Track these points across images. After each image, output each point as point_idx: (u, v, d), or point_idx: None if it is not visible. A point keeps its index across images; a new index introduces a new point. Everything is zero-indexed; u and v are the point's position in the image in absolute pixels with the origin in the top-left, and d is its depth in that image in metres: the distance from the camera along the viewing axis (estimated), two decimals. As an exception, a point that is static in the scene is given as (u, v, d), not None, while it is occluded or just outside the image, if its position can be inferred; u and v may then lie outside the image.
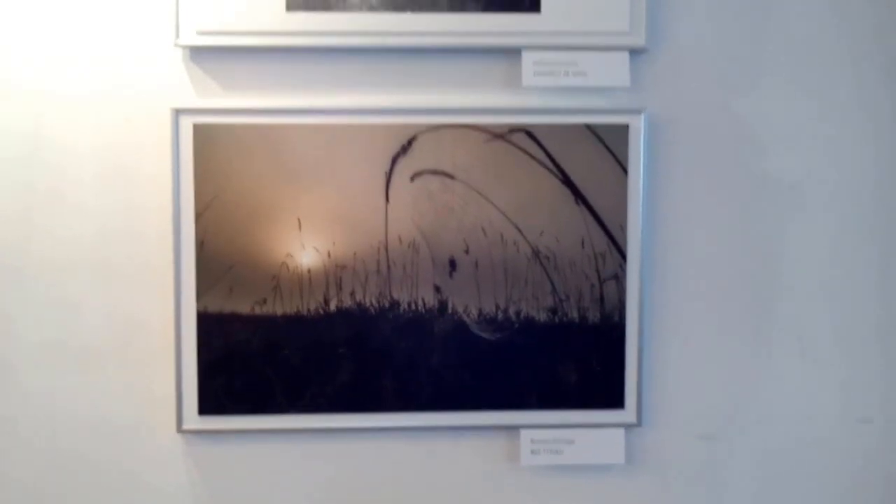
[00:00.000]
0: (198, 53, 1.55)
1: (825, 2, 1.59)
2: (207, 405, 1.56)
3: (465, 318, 1.57)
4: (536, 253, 1.57)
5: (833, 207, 1.62)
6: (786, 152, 1.61)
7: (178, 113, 1.53)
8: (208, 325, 1.55)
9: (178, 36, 1.52)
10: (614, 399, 1.60)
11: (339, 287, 1.56)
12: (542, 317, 1.58)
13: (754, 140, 1.60)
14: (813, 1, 1.59)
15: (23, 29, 1.55)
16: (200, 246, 1.55)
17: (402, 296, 1.57)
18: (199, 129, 1.53)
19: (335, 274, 1.56)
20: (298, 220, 1.55)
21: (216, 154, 1.53)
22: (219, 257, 1.55)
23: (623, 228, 1.57)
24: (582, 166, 1.56)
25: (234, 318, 1.56)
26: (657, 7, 1.57)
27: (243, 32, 1.53)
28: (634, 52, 1.55)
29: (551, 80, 1.54)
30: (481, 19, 1.54)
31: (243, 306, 1.55)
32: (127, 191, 1.56)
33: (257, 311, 1.56)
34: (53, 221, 1.56)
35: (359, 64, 1.56)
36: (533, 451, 1.59)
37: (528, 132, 1.55)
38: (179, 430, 1.57)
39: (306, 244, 1.56)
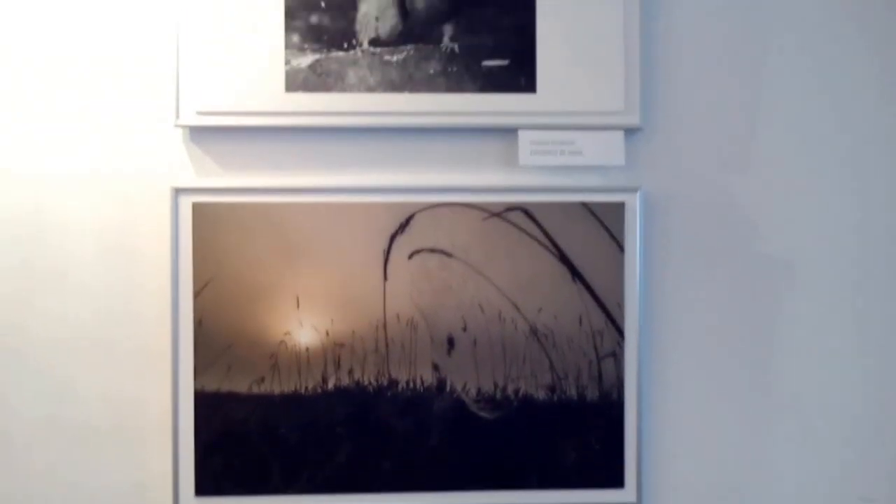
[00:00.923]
0: (198, 133, 1.57)
1: (818, 81, 1.62)
2: (204, 486, 1.56)
3: (463, 396, 1.58)
4: (534, 330, 1.58)
5: (828, 285, 1.63)
6: (780, 230, 1.62)
7: (177, 192, 1.55)
8: (206, 404, 1.56)
9: (178, 116, 1.55)
10: (614, 478, 1.60)
11: (338, 365, 1.57)
12: (541, 395, 1.58)
13: (749, 218, 1.62)
14: (807, 79, 1.62)
15: (23, 108, 1.57)
16: (199, 324, 1.55)
17: (401, 374, 1.58)
18: (198, 208, 1.54)
19: (333, 352, 1.57)
20: (297, 298, 1.57)
21: (215, 233, 1.55)
22: (217, 336, 1.56)
23: (620, 306, 1.58)
24: (579, 244, 1.58)
25: (232, 397, 1.56)
26: (651, 86, 1.59)
27: (243, 113, 1.55)
28: (629, 131, 1.58)
29: (548, 159, 1.57)
30: (478, 99, 1.56)
31: (241, 385, 1.56)
32: (126, 270, 1.57)
33: (255, 390, 1.56)
34: (53, 301, 1.56)
35: (357, 143, 1.59)
36: (532, 531, 1.59)
37: (525, 210, 1.57)
38: (176, 511, 1.56)
39: (305, 322, 1.57)
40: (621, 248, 1.58)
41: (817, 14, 1.62)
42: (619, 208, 1.57)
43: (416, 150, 1.59)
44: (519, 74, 1.57)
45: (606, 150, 1.57)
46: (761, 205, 1.62)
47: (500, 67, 1.57)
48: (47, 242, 1.56)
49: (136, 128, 1.57)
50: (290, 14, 1.56)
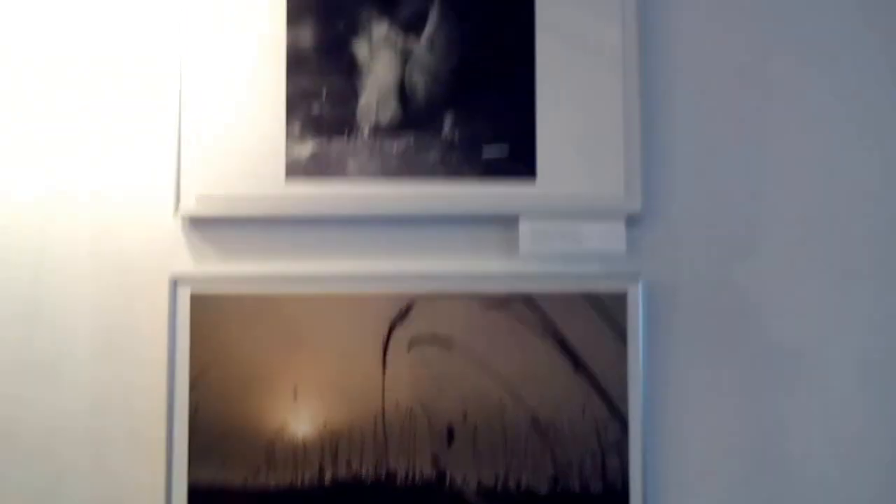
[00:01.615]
0: (197, 221, 1.58)
1: (823, 166, 1.62)
2: (197, 584, 1.53)
3: (464, 489, 1.55)
4: (536, 421, 1.56)
5: (838, 374, 1.61)
6: (787, 319, 1.61)
7: (175, 281, 1.55)
8: (200, 498, 1.53)
9: (178, 204, 1.56)
10: (619, 577, 1.56)
11: (335, 457, 1.55)
12: (543, 488, 1.56)
13: (754, 306, 1.60)
14: (811, 164, 1.62)
15: (21, 198, 1.59)
16: (194, 415, 1.54)
17: (400, 466, 1.56)
18: (196, 297, 1.55)
19: (331, 443, 1.55)
20: (295, 387, 1.56)
21: (213, 321, 1.55)
22: (212, 427, 1.55)
23: (624, 397, 1.57)
24: (580, 334, 1.57)
25: (227, 490, 1.54)
26: (652, 173, 1.60)
27: (243, 201, 1.57)
28: (630, 219, 1.58)
29: (548, 247, 1.57)
30: (478, 187, 1.58)
31: (236, 477, 1.54)
32: (122, 357, 1.57)
33: (250, 482, 1.54)
34: (46, 388, 1.56)
35: (357, 231, 1.59)
36: None
37: (526, 299, 1.57)
38: None
39: (302, 413, 1.56)
40: (624, 337, 1.57)
41: (820, 99, 1.64)
42: (621, 297, 1.57)
43: (417, 238, 1.60)
44: (519, 162, 1.58)
45: (607, 238, 1.57)
46: (767, 293, 1.60)
47: (500, 155, 1.58)
48: (43, 329, 1.57)
49: (135, 216, 1.58)
50: (291, 104, 1.58)
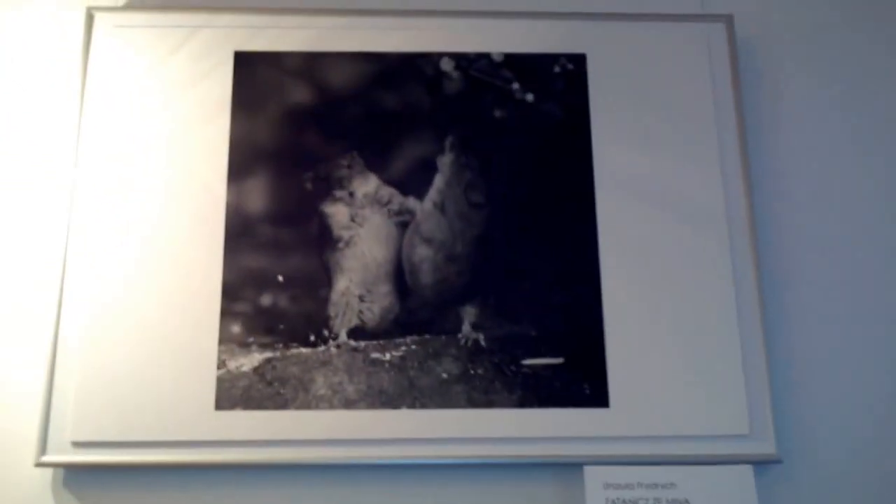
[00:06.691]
0: (73, 475, 1.29)
1: None
2: None
3: None
4: None
5: None
6: None
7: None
8: None
9: (43, 450, 1.26)
10: None
11: None
12: None
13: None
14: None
15: None
16: None
17: None
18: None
19: None
20: None
21: None
22: None
23: None
24: None
25: None
26: (786, 400, 1.34)
27: (144, 444, 1.25)
28: (760, 465, 1.28)
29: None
30: (517, 418, 1.27)
31: None
32: None
33: None
34: None
35: (326, 487, 1.28)
36: None
37: None
38: None
39: None
40: None
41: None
42: None
43: (420, 497, 1.28)
44: (580, 379, 1.29)
45: (726, 493, 1.25)
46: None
47: (550, 368, 1.29)
48: None
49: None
50: (229, 293, 1.29)
